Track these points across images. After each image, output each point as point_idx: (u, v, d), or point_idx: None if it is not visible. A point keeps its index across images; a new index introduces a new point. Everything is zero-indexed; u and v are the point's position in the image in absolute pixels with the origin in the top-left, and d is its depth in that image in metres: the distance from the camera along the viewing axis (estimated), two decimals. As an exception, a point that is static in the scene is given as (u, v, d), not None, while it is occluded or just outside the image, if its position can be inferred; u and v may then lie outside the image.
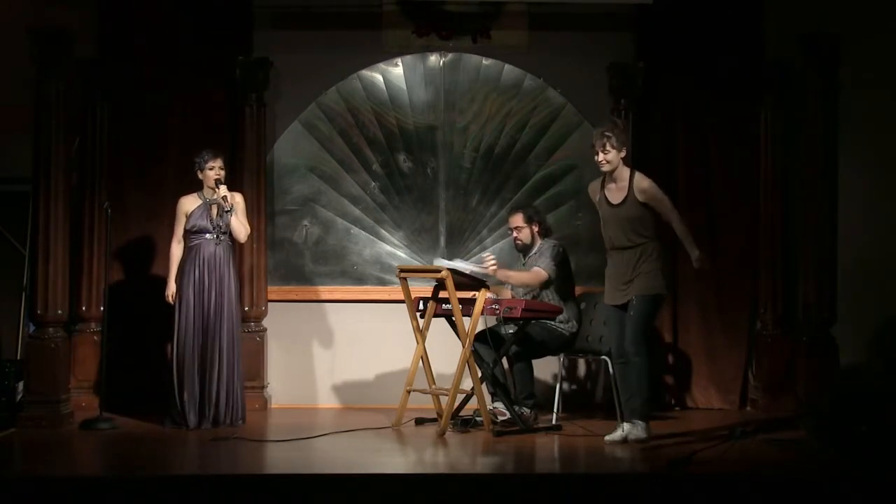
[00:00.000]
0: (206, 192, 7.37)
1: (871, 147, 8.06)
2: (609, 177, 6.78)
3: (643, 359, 6.64)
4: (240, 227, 7.39)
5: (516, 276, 7.37)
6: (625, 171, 6.75)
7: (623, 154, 6.73)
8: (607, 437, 6.74)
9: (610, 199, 6.77)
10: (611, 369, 7.51)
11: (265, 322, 8.15)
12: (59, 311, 7.30)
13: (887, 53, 8.00)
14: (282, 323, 8.22)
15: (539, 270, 7.33)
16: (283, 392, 8.21)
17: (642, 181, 6.71)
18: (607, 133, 6.69)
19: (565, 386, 7.90)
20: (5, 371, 7.40)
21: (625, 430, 6.69)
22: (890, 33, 8.02)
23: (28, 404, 7.22)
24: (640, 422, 6.63)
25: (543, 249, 7.46)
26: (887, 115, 8.05)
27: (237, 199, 7.43)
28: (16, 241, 8.18)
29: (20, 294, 8.09)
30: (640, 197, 6.68)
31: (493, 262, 7.23)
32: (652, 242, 6.73)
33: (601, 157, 6.72)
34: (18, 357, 7.88)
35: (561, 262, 7.41)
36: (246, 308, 8.00)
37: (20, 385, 7.39)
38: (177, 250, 7.34)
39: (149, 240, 8.08)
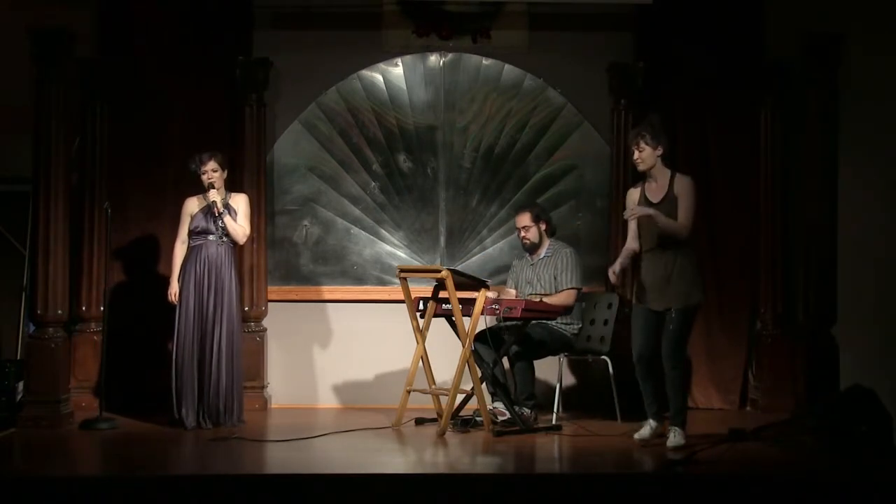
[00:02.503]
0: (209, 193, 7.38)
1: (871, 147, 8.05)
2: (648, 175, 6.68)
3: (680, 371, 6.62)
4: (235, 229, 7.35)
5: (552, 301, 7.35)
6: (665, 171, 6.65)
7: (659, 152, 6.62)
8: (636, 435, 6.72)
9: (649, 198, 6.66)
10: (611, 369, 7.52)
11: (265, 322, 8.15)
12: (59, 311, 7.29)
13: (887, 53, 8.00)
14: (282, 323, 8.22)
15: (571, 292, 7.38)
16: (283, 392, 8.21)
17: (683, 179, 6.61)
18: (642, 131, 6.62)
19: (565, 386, 7.90)
20: (5, 371, 7.40)
21: (652, 427, 6.70)
22: (890, 33, 8.01)
23: (28, 404, 7.21)
24: (678, 428, 6.61)
25: (562, 259, 7.43)
26: (887, 115, 8.04)
27: (239, 202, 7.41)
28: (16, 241, 8.18)
29: (20, 294, 8.10)
30: (676, 191, 6.57)
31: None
32: (687, 246, 6.62)
33: (636, 154, 6.65)
34: (18, 357, 7.88)
35: (579, 267, 7.46)
36: (246, 308, 8.00)
37: (20, 385, 7.39)
38: (179, 251, 7.35)
39: (149, 240, 8.07)
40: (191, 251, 7.32)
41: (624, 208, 6.86)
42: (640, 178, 6.82)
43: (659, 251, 6.63)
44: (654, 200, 6.64)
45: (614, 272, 6.73)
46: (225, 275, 7.30)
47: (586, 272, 7.79)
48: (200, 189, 7.39)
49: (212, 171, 7.30)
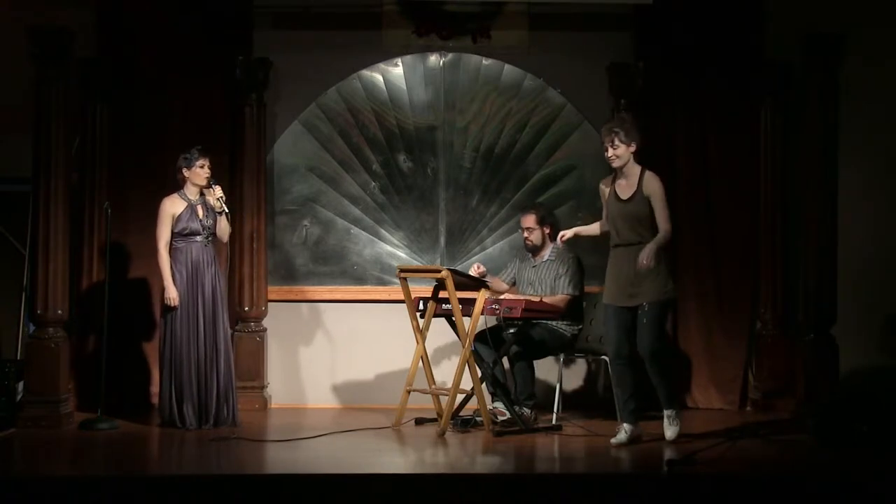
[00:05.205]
0: (190, 191, 7.25)
1: (872, 147, 8.06)
2: (619, 172, 6.74)
3: (662, 365, 6.65)
4: (227, 228, 7.33)
5: (547, 301, 7.37)
6: (635, 168, 6.71)
7: (633, 149, 6.68)
8: (613, 440, 6.70)
9: (619, 195, 6.73)
10: (611, 369, 7.52)
11: (265, 322, 8.15)
12: (59, 311, 7.28)
13: (888, 54, 8.00)
14: (282, 323, 8.22)
15: (566, 297, 7.38)
16: (283, 392, 8.21)
17: (651, 180, 6.67)
18: (615, 128, 6.68)
19: (565, 386, 7.90)
20: (5, 371, 7.39)
21: (627, 431, 6.69)
22: (890, 33, 8.01)
23: (28, 404, 7.21)
24: (672, 412, 6.69)
25: (565, 264, 7.44)
26: (887, 115, 8.05)
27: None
28: (16, 241, 8.18)
29: (20, 294, 8.09)
30: (645, 191, 6.64)
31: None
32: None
33: (610, 152, 6.70)
34: (18, 357, 7.88)
35: (580, 273, 7.46)
36: (246, 308, 8.00)
37: (20, 385, 7.38)
38: (167, 253, 7.17)
39: (149, 240, 8.01)
40: (176, 252, 7.18)
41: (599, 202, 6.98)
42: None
43: (631, 247, 6.68)
44: (624, 197, 6.71)
45: (563, 236, 6.98)
46: (216, 276, 7.23)
47: (587, 272, 7.78)
48: (179, 188, 7.30)
49: (208, 167, 7.27)
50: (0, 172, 8.08)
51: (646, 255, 6.55)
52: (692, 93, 8.16)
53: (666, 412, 6.71)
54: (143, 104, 8.05)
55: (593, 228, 7.02)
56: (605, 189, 6.87)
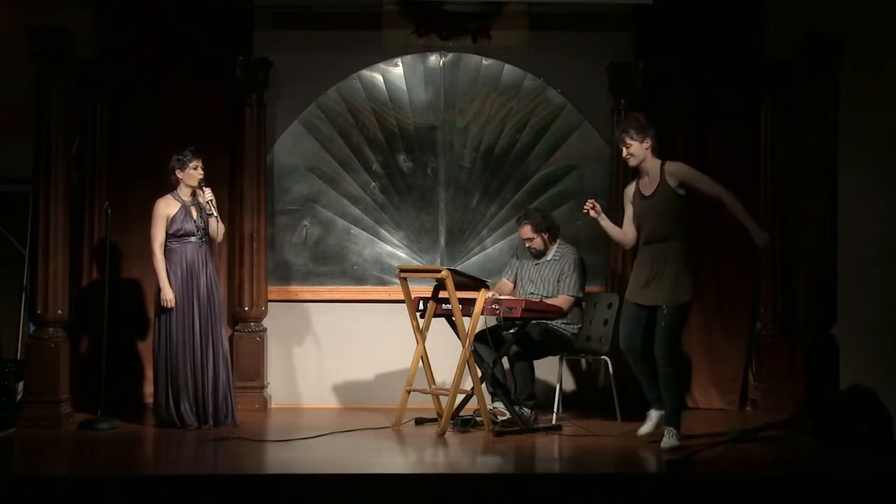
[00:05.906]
0: (184, 192, 7.23)
1: (871, 147, 8.05)
2: (641, 170, 6.70)
3: (674, 369, 6.61)
4: (220, 229, 7.31)
5: (549, 302, 7.36)
6: (655, 162, 6.66)
7: (647, 144, 6.63)
8: (639, 431, 6.76)
9: (643, 192, 6.69)
10: (611, 369, 7.52)
11: (265, 322, 8.15)
12: (59, 311, 7.28)
13: (887, 53, 8.00)
14: (282, 323, 8.22)
15: (569, 298, 7.39)
16: (283, 392, 8.21)
17: (672, 165, 6.63)
18: (626, 128, 6.66)
19: (565, 386, 7.90)
20: (5, 371, 7.40)
21: (653, 418, 6.73)
22: (890, 33, 8.01)
23: (28, 404, 7.21)
24: (672, 429, 6.59)
25: (569, 265, 7.44)
26: (887, 115, 8.04)
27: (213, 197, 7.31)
28: (16, 241, 8.18)
29: (20, 294, 8.09)
30: (672, 182, 6.57)
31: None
32: (678, 241, 6.61)
33: (625, 152, 6.67)
34: (18, 357, 7.88)
35: (583, 274, 7.47)
36: (246, 308, 8.00)
37: (20, 385, 7.38)
38: (162, 255, 7.15)
39: (148, 240, 8.02)
40: (171, 254, 7.15)
41: (622, 207, 6.92)
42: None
43: (651, 246, 6.66)
44: (647, 193, 6.68)
45: (594, 204, 6.79)
46: (211, 275, 7.22)
47: (587, 272, 7.79)
48: (172, 189, 7.27)
49: (201, 168, 7.25)
50: (0, 172, 8.08)
51: (761, 239, 6.55)
52: (692, 93, 8.17)
53: (666, 428, 6.62)
54: (143, 104, 8.06)
55: (615, 229, 6.90)
56: (628, 192, 6.84)
